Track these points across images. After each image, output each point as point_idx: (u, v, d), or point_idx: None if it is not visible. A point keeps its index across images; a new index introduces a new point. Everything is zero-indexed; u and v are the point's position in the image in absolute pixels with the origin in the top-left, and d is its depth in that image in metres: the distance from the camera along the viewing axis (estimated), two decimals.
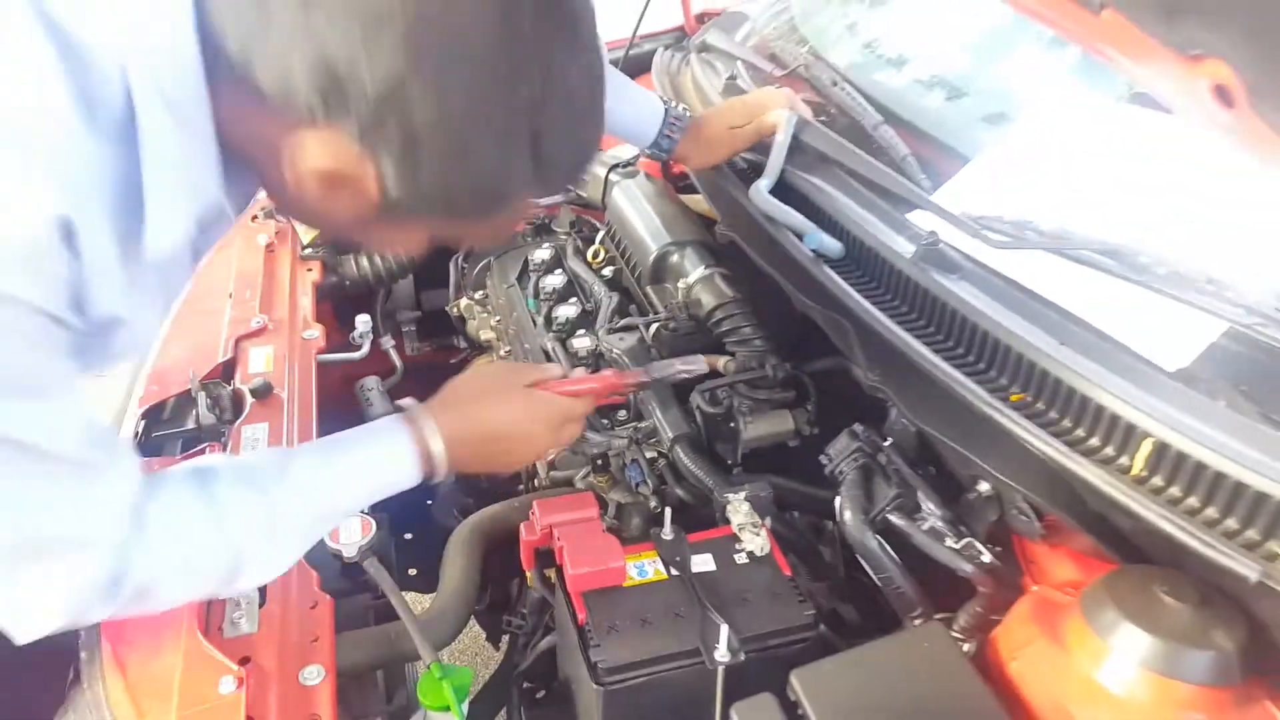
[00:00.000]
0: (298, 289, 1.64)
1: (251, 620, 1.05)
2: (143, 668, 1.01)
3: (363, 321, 1.67)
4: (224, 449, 1.29)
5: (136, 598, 0.83)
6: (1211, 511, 0.90)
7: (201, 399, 1.33)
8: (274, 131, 0.73)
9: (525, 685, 1.27)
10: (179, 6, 0.68)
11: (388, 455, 1.00)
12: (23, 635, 0.80)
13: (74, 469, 0.76)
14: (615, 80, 1.38)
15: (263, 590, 1.08)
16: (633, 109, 1.41)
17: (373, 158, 0.72)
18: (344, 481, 0.98)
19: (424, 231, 0.87)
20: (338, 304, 1.82)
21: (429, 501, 1.72)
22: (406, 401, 1.06)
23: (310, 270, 1.70)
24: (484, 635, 1.69)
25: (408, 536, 1.71)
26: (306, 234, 1.74)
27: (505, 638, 1.47)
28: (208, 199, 0.78)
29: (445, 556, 1.26)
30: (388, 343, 1.78)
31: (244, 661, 0.99)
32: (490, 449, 1.07)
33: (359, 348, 1.69)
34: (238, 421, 1.33)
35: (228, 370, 1.44)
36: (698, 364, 1.25)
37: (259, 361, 1.44)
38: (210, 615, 1.06)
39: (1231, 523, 0.89)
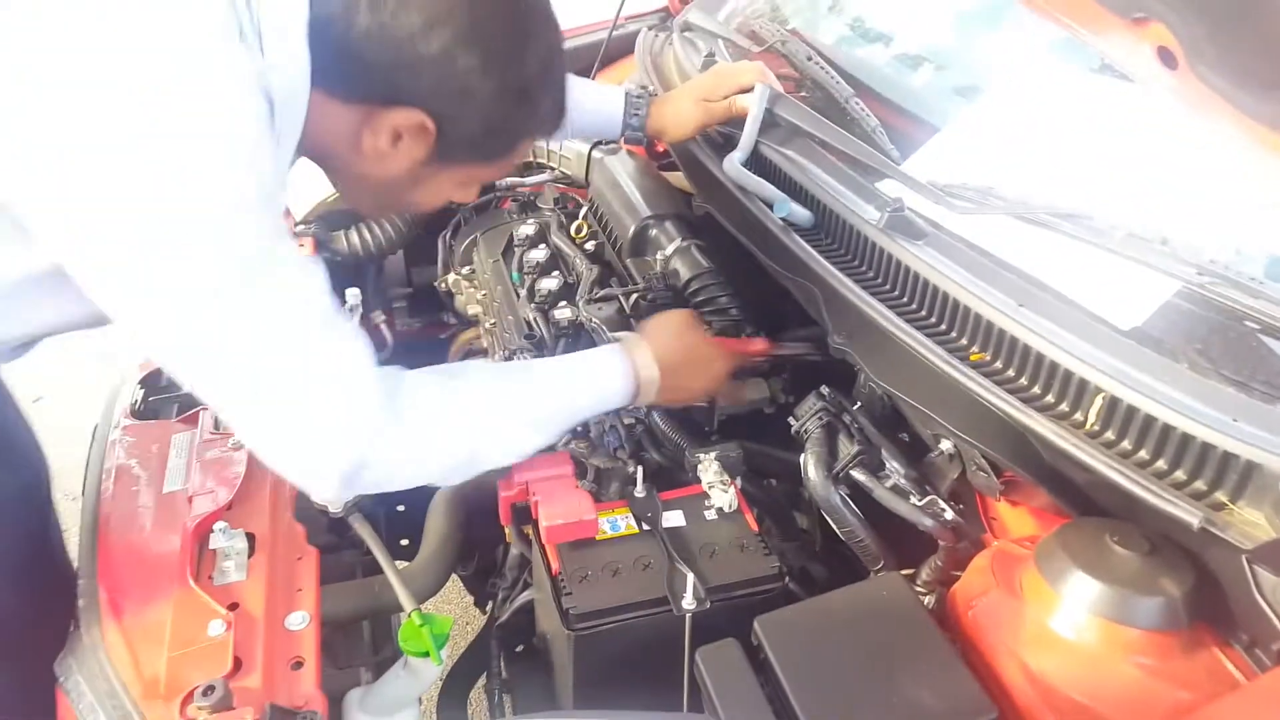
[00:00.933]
0: None
1: (240, 569, 1.09)
2: (137, 613, 1.06)
3: (352, 294, 1.70)
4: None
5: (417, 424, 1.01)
6: (1161, 464, 0.93)
7: None
8: (355, 118, 0.97)
9: (504, 637, 1.31)
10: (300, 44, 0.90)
11: (610, 371, 1.18)
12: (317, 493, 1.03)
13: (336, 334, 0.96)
14: (573, 84, 1.45)
15: (251, 541, 1.12)
16: (593, 107, 1.47)
17: (434, 115, 0.97)
18: (575, 387, 1.16)
19: (454, 179, 1.10)
20: (330, 280, 1.85)
21: None
22: (622, 335, 1.27)
23: (303, 246, 1.74)
24: (470, 606, 1.73)
25: (400, 508, 1.75)
26: (299, 211, 1.78)
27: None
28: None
29: (428, 516, 1.30)
30: (379, 318, 1.81)
31: (233, 607, 1.04)
32: (680, 380, 1.24)
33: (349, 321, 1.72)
34: None
35: None
36: None
37: None
38: (201, 564, 1.10)
39: (1180, 474, 0.92)
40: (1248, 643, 0.90)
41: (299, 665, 1.01)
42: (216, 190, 0.83)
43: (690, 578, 1.03)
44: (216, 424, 1.33)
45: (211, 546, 1.12)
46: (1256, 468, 0.86)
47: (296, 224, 1.76)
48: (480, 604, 1.65)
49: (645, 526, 1.13)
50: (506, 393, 1.10)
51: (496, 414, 1.08)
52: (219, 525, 1.13)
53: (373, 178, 1.05)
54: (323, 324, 0.94)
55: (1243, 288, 1.01)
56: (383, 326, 1.82)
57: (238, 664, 0.98)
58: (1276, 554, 0.84)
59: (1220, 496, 0.90)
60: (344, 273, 1.87)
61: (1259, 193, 0.98)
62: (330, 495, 0.98)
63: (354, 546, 1.31)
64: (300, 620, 1.05)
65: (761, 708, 0.91)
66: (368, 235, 1.81)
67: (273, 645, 1.02)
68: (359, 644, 1.25)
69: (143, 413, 1.40)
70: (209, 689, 0.92)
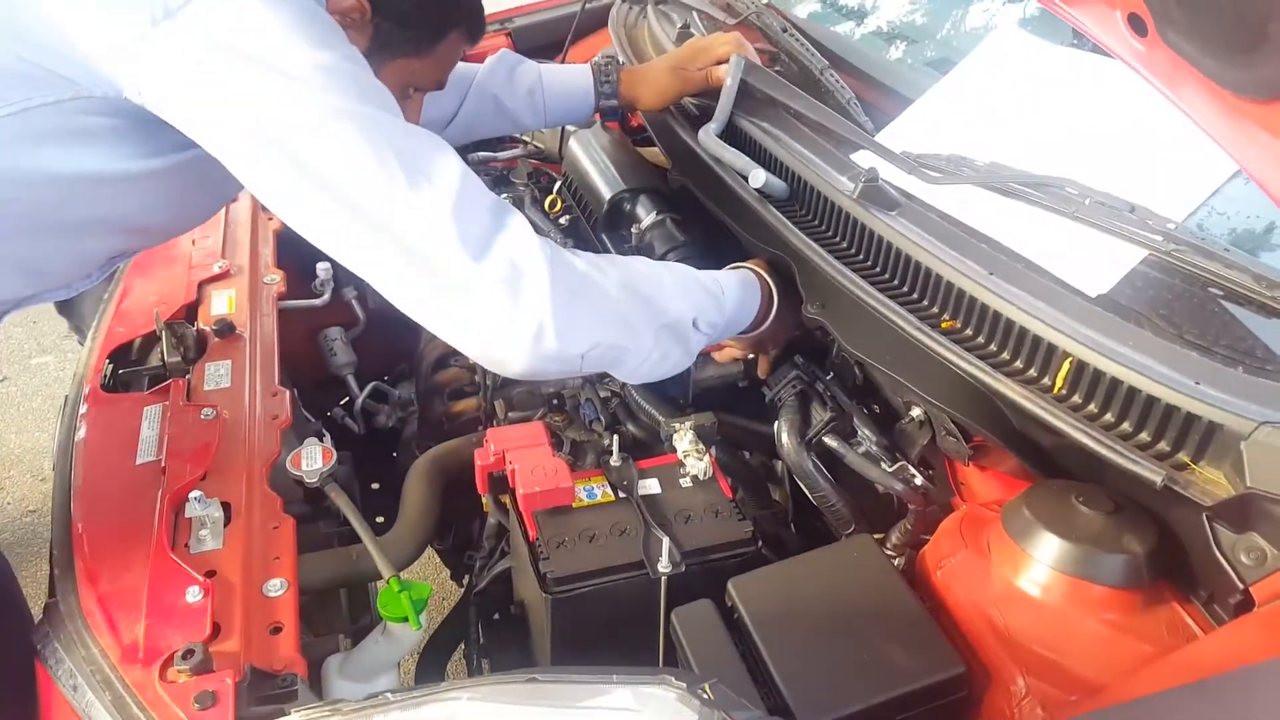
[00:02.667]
0: (258, 236, 1.67)
1: (216, 538, 1.09)
2: (113, 581, 1.05)
3: (323, 269, 1.70)
4: (187, 385, 1.33)
5: (594, 272, 1.00)
6: (1126, 426, 0.96)
7: (166, 338, 1.36)
8: None
9: (483, 604, 1.31)
10: None
11: (752, 285, 1.22)
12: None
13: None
14: (540, 69, 1.47)
15: (227, 510, 1.12)
16: (562, 85, 1.50)
17: None
18: (727, 284, 1.17)
19: (396, 79, 1.11)
20: (299, 253, 1.84)
21: (394, 454, 1.77)
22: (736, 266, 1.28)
23: (271, 218, 1.72)
24: (446, 581, 1.73)
25: (375, 486, 1.75)
26: None
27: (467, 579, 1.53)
28: None
29: (405, 486, 1.30)
30: (350, 294, 1.80)
31: (210, 575, 1.03)
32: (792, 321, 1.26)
33: (320, 295, 1.71)
34: (201, 359, 1.36)
35: (191, 313, 1.48)
36: None
37: (221, 304, 1.47)
38: (177, 533, 1.10)
39: (1144, 436, 0.94)
40: (1206, 598, 0.92)
41: (278, 630, 1.01)
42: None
43: (666, 542, 1.04)
44: (188, 395, 1.32)
45: (187, 515, 1.12)
46: (1218, 428, 0.88)
47: None
48: (456, 577, 1.66)
49: (621, 494, 1.14)
50: (663, 269, 1.12)
51: (655, 284, 1.08)
52: (194, 494, 1.13)
53: None
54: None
55: (1207, 254, 1.03)
56: (354, 303, 1.81)
57: (216, 629, 0.98)
58: (1235, 511, 0.87)
59: (1182, 457, 0.92)
60: (314, 247, 1.86)
61: (1224, 159, 1.00)
62: (521, 363, 0.95)
63: (329, 517, 1.31)
64: (278, 587, 1.05)
65: (736, 664, 0.93)
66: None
67: (251, 611, 1.02)
68: (336, 612, 1.25)
69: (112, 386, 1.39)
70: (188, 652, 0.92)
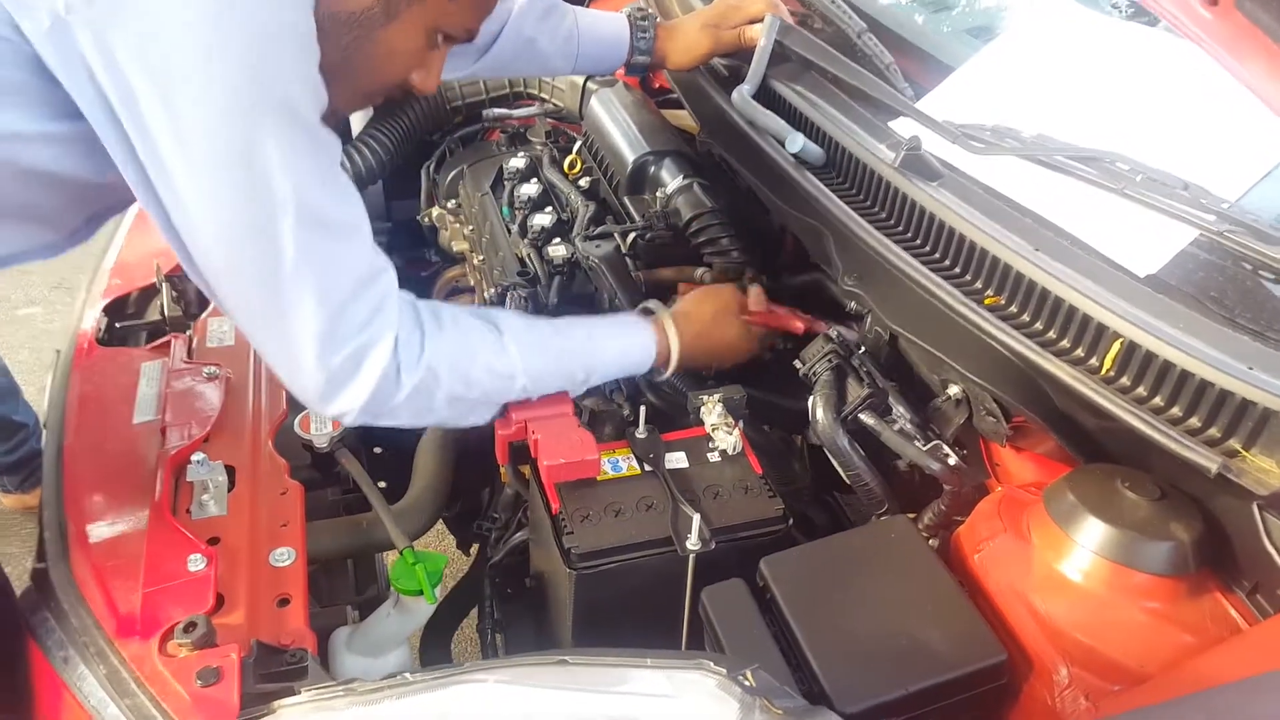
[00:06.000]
0: None
1: (220, 504, 1.04)
2: (109, 547, 1.00)
3: None
4: (188, 342, 1.27)
5: (420, 393, 0.97)
6: (1176, 410, 0.92)
7: (166, 291, 1.31)
8: None
9: (497, 577, 1.28)
10: None
11: (639, 344, 1.19)
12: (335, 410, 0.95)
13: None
14: (575, 15, 1.40)
15: (231, 474, 1.07)
16: (597, 33, 1.43)
17: None
18: (602, 350, 1.16)
19: (417, 25, 1.00)
20: None
21: None
22: (651, 304, 1.27)
23: None
24: (449, 549, 1.69)
25: (377, 450, 1.70)
26: None
27: (474, 549, 1.49)
28: None
29: (417, 454, 1.26)
30: None
31: (213, 542, 0.99)
32: (700, 358, 1.26)
33: None
34: (203, 314, 1.31)
35: None
36: None
37: None
38: (178, 497, 1.05)
39: (1194, 421, 0.91)
40: (1250, 589, 0.90)
41: (285, 602, 0.97)
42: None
43: (695, 518, 1.00)
44: (189, 352, 1.27)
45: (188, 479, 1.07)
46: (1273, 415, 0.85)
47: None
48: (463, 546, 1.62)
49: (648, 467, 1.10)
50: (536, 349, 1.10)
51: (522, 368, 1.07)
52: (196, 457, 1.08)
53: (343, 13, 0.94)
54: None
55: (1262, 235, 1.00)
56: None
57: (220, 600, 0.94)
58: None
59: (1234, 444, 0.89)
60: None
61: None
62: (323, 413, 1.00)
63: (337, 483, 1.27)
64: (286, 556, 1.01)
65: (769, 647, 0.89)
66: (345, 165, 1.74)
67: (257, 582, 0.98)
68: (344, 582, 1.21)
69: (108, 340, 1.33)
70: (190, 625, 0.88)
